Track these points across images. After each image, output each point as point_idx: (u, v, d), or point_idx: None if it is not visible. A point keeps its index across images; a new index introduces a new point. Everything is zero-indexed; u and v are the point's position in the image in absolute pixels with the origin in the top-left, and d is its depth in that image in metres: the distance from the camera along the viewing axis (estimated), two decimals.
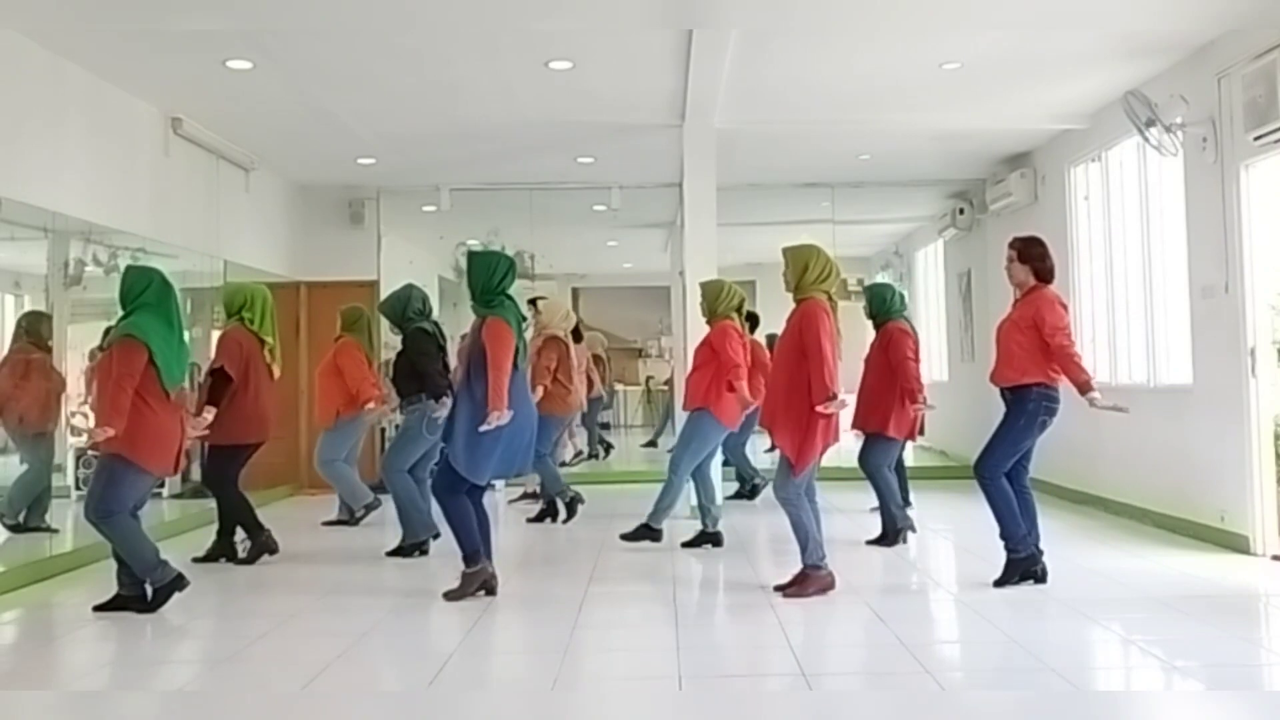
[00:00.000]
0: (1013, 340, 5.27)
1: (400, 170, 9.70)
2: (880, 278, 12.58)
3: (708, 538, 6.58)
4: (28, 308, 6.97)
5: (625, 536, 6.62)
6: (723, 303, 6.50)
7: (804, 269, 5.19)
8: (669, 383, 13.32)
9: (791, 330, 5.17)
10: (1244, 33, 5.97)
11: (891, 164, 9.79)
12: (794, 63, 6.82)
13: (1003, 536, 5.31)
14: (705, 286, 6.66)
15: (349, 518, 7.71)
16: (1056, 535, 6.02)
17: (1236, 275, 6.13)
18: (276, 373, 6.41)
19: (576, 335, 12.52)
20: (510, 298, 5.29)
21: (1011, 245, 5.42)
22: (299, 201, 10.30)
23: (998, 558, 5.58)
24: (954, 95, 7.52)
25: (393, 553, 6.43)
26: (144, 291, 5.01)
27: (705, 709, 3.64)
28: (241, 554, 6.29)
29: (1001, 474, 5.26)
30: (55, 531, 6.78)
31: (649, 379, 17.20)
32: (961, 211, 10.61)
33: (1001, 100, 7.69)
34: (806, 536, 5.13)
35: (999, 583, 5.25)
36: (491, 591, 5.19)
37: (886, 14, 5.88)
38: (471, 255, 5.38)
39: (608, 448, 13.30)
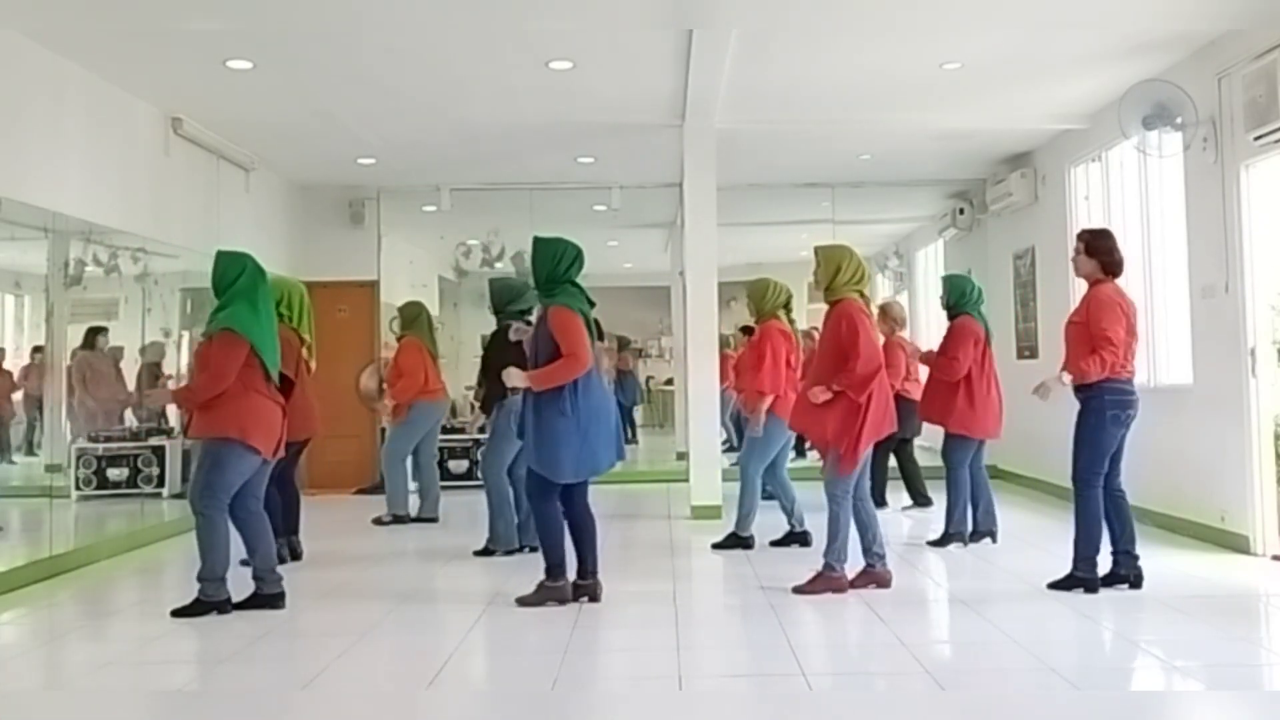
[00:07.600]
0: (1071, 338, 5.09)
1: (400, 170, 9.70)
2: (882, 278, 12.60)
3: (795, 537, 6.52)
4: (28, 308, 6.96)
5: (716, 546, 6.52)
6: (769, 301, 6.51)
7: (837, 270, 5.21)
8: (670, 382, 13.30)
9: (831, 331, 5.17)
10: (1244, 33, 5.97)
11: (892, 164, 9.79)
12: (794, 63, 6.82)
13: (1076, 546, 5.09)
14: (751, 286, 6.62)
15: (404, 516, 7.86)
16: (1057, 535, 6.02)
17: (1236, 275, 6.13)
18: (313, 367, 6.44)
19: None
20: (578, 285, 5.04)
21: (1080, 237, 5.23)
22: (299, 201, 10.31)
23: (999, 557, 5.59)
24: (954, 95, 7.52)
25: (479, 552, 6.42)
26: (238, 278, 4.93)
27: (705, 709, 3.64)
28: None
29: (1096, 481, 5.02)
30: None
31: (649, 379, 17.20)
32: (961, 211, 10.61)
33: (1001, 100, 7.69)
34: (837, 534, 5.14)
35: (1054, 585, 5.11)
36: (564, 602, 4.98)
37: (887, 14, 5.88)
38: (537, 241, 5.08)
39: None
